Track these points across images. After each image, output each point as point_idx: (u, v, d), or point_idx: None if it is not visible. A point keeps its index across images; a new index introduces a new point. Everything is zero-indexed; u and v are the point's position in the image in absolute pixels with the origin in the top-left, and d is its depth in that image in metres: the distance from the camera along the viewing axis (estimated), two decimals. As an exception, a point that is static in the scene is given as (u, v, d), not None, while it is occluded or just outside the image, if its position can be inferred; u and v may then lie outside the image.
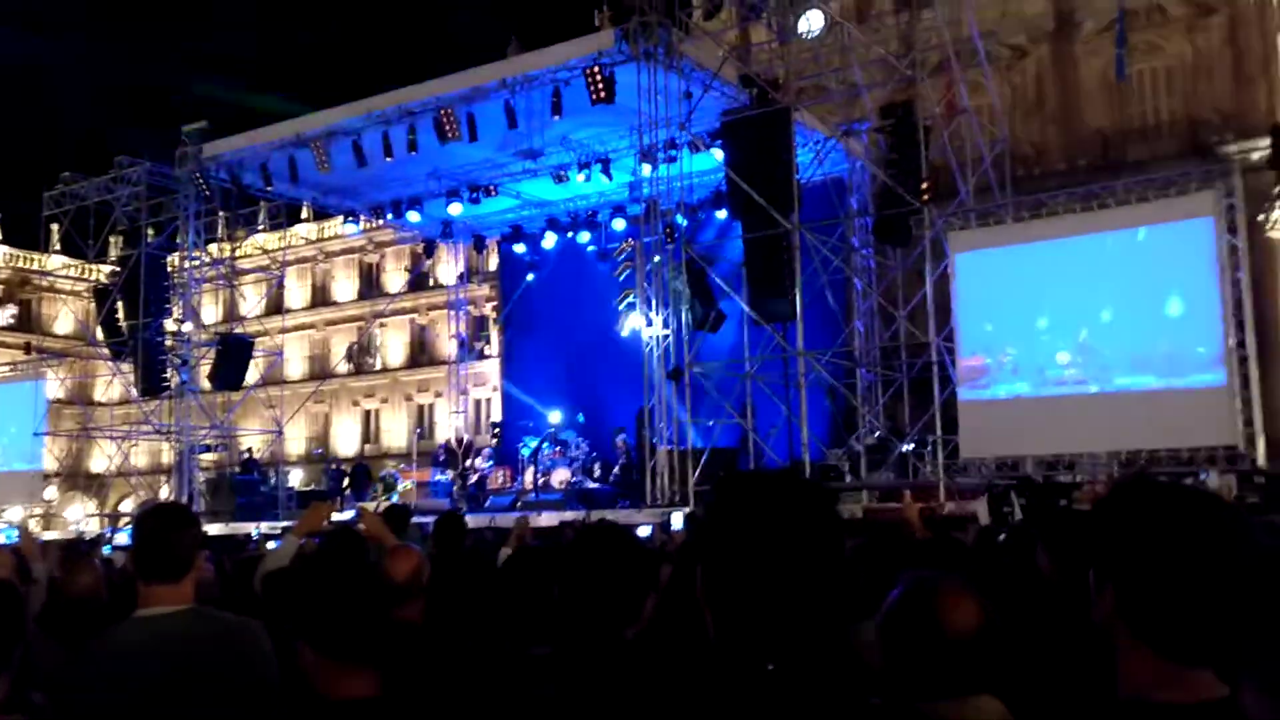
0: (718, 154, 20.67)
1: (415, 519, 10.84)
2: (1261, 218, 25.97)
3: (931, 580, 2.44)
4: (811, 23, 22.61)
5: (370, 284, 49.16)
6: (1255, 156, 26.16)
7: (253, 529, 21.56)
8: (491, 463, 26.05)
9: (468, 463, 26.08)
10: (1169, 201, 18.78)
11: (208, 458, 29.82)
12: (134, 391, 28.29)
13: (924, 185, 19.34)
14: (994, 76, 25.51)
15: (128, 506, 41.10)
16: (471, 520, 12.56)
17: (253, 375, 28.88)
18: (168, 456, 30.13)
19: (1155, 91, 29.30)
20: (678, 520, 16.26)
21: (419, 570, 4.42)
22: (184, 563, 3.41)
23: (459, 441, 26.45)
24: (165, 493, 29.88)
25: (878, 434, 21.66)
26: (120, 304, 27.24)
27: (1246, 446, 17.84)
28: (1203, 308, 18.07)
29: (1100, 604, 1.74)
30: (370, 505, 19.57)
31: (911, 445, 20.38)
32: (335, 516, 11.71)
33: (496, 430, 29.21)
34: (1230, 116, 27.98)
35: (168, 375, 27.12)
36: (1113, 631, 1.73)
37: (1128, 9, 26.78)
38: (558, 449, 24.14)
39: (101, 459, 37.76)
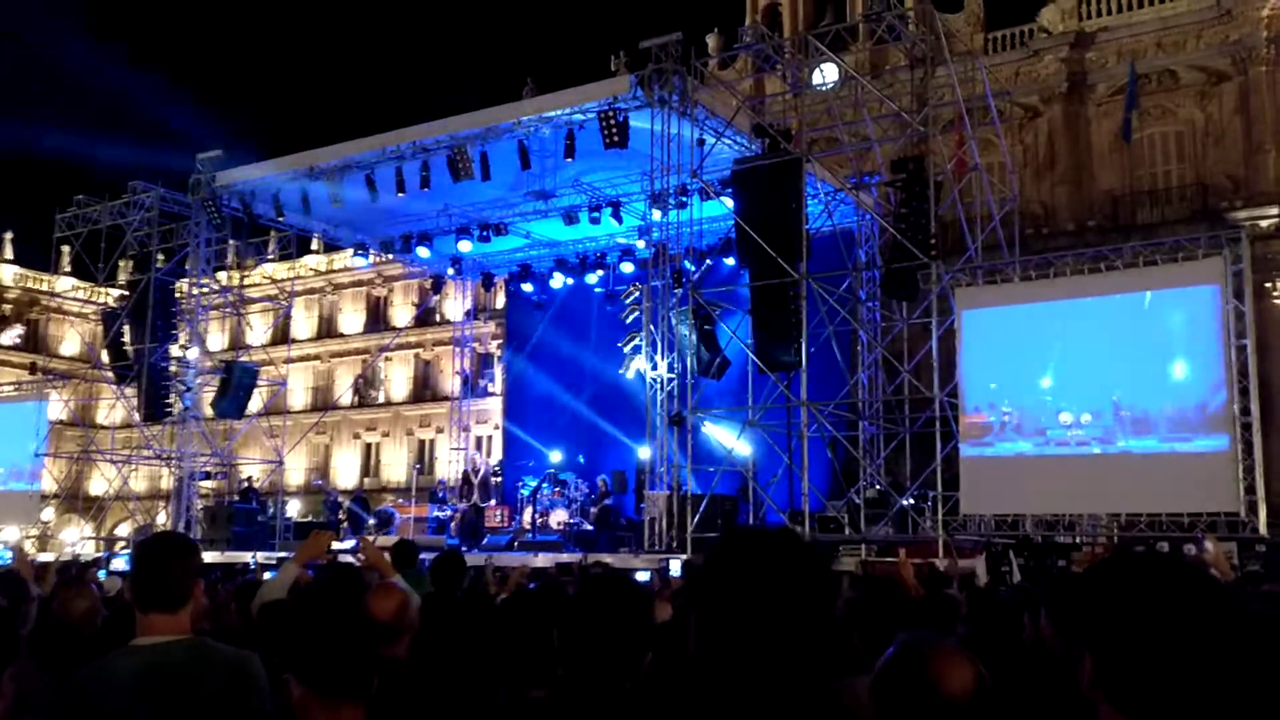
0: (728, 202, 20.79)
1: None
2: (1269, 285, 26.06)
3: (926, 641, 2.45)
4: (825, 75, 22.83)
5: (377, 317, 49.28)
6: (1265, 224, 26.31)
7: (249, 558, 21.49)
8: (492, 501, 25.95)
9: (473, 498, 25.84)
10: (1176, 266, 18.81)
11: (207, 485, 29.75)
12: (136, 416, 28.29)
13: (932, 241, 19.40)
14: (1006, 135, 25.72)
15: (124, 531, 40.96)
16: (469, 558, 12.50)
17: (256, 404, 28.88)
18: (167, 482, 30.07)
19: (1166, 156, 29.51)
20: (676, 567, 16.18)
21: (402, 608, 4.42)
22: (182, 592, 3.40)
23: (475, 471, 26.18)
24: (163, 518, 29.80)
25: (878, 487, 21.58)
26: (127, 328, 27.33)
27: (1248, 513, 17.73)
28: (1207, 373, 18.05)
29: (1082, 673, 1.73)
30: (369, 537, 19.48)
31: (911, 500, 20.30)
32: (335, 545, 11.67)
33: (497, 469, 29.15)
34: (1240, 183, 28.17)
35: (171, 401, 27.13)
36: (1095, 700, 1.72)
37: (1140, 73, 27.02)
38: (557, 489, 24.09)
39: (101, 482, 37.68)
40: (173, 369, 27.60)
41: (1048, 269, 19.87)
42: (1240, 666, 1.61)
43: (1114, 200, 29.77)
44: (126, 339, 27.47)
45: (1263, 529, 17.78)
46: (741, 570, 1.81)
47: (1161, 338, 18.44)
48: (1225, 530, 17.62)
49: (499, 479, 28.25)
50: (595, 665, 2.65)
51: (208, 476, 28.96)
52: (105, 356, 29.36)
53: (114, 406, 33.30)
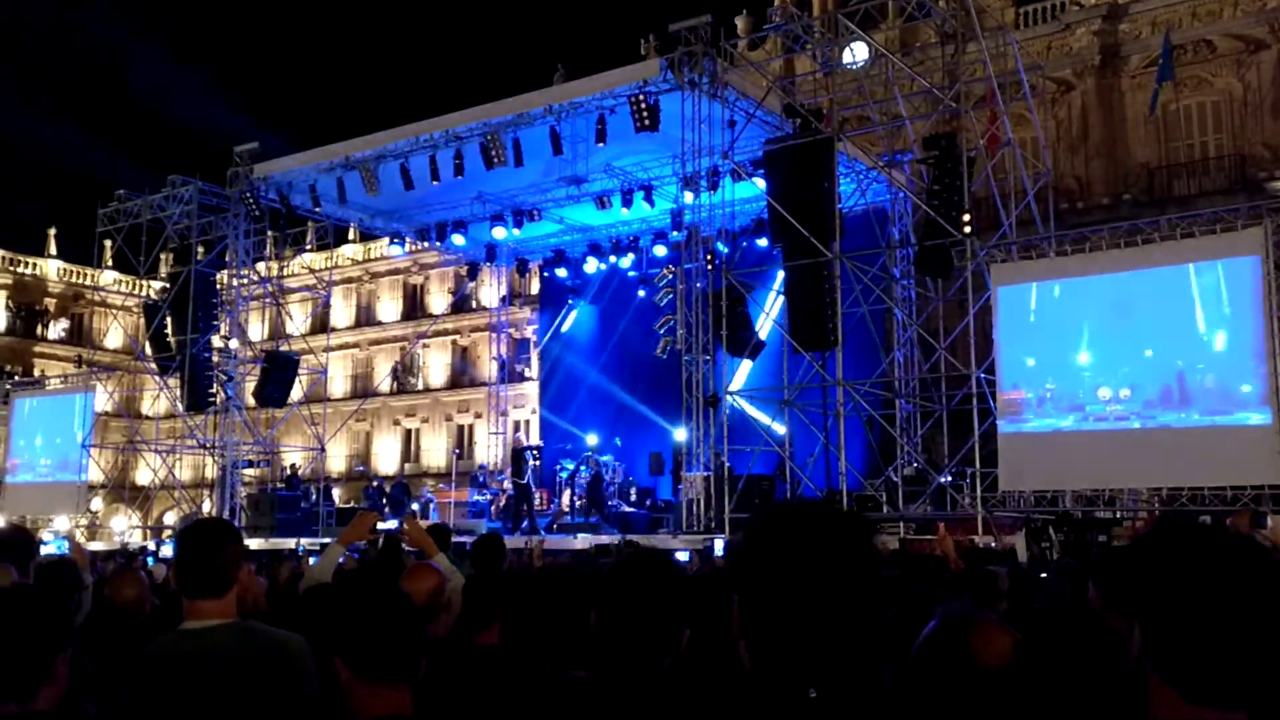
0: (760, 183, 20.78)
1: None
2: (1310, 255, 25.67)
3: (966, 614, 2.48)
4: (856, 54, 22.69)
5: (414, 305, 49.61)
6: (1304, 193, 25.89)
7: (294, 544, 21.81)
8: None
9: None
10: (1215, 238, 18.58)
11: (250, 473, 30.17)
12: (180, 406, 28.72)
13: (966, 217, 19.31)
14: (1038, 109, 25.47)
15: (171, 519, 41.61)
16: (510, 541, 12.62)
17: (296, 393, 29.24)
18: (211, 471, 30.52)
19: (1202, 126, 29.13)
20: (720, 547, 16.20)
21: (437, 589, 4.50)
22: (227, 578, 3.45)
23: (527, 449, 25.67)
24: (208, 506, 30.25)
25: (915, 465, 21.55)
26: (169, 320, 27.72)
27: (1291, 486, 17.55)
28: (1248, 346, 17.84)
29: (1132, 645, 1.72)
30: (414, 518, 19.66)
31: (949, 477, 20.26)
32: (380, 526, 11.80)
33: (536, 452, 29.34)
34: (1279, 152, 27.75)
35: (213, 391, 27.51)
36: (1145, 673, 1.71)
37: (1175, 44, 26.66)
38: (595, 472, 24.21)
39: (146, 472, 38.26)
40: (214, 359, 27.97)
41: (1083, 243, 19.70)
42: None
43: (1149, 173, 29.44)
44: (169, 331, 27.86)
45: (1307, 501, 17.60)
46: (782, 546, 1.80)
47: (1201, 311, 18.25)
48: (1269, 503, 17.47)
49: (537, 462, 28.43)
50: (633, 644, 2.62)
51: (251, 465, 29.36)
52: (148, 348, 29.79)
53: (158, 397, 33.75)
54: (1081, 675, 3.36)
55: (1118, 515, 19.38)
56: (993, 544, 15.78)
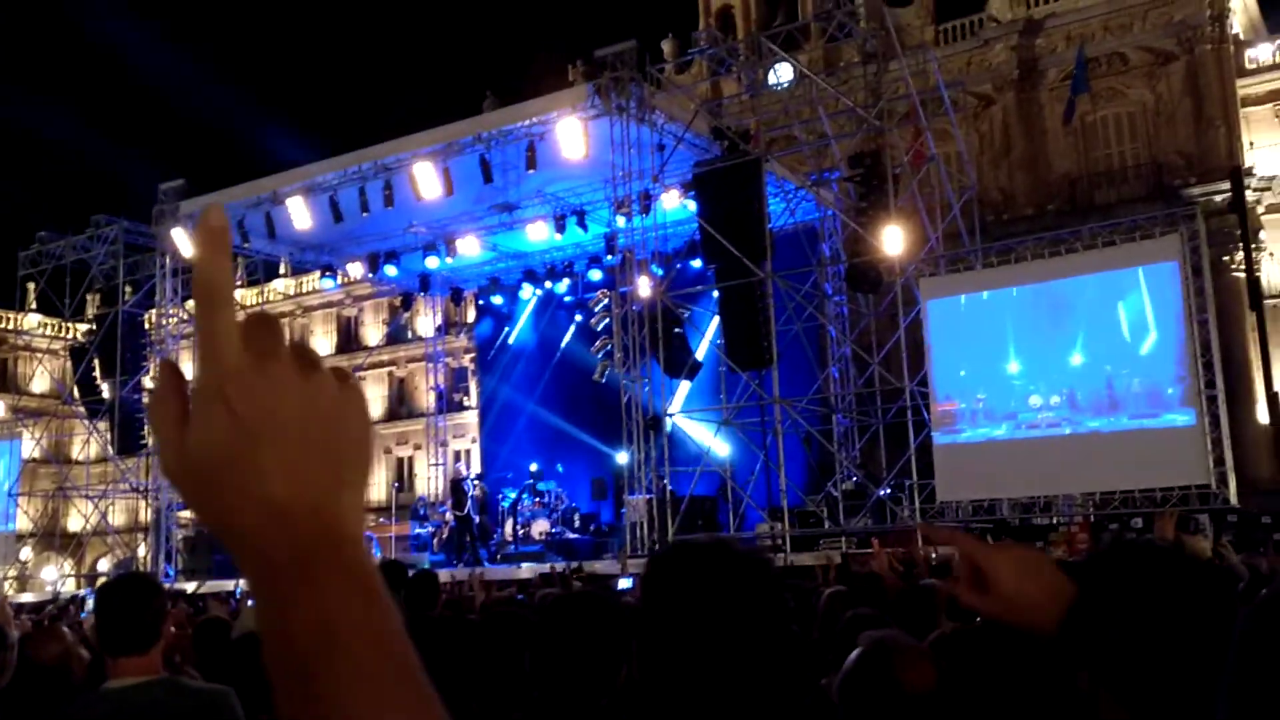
0: (691, 205, 20.90)
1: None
2: (1226, 258, 26.40)
3: (890, 641, 2.49)
4: (780, 75, 22.98)
5: (349, 337, 49.18)
6: (1218, 199, 26.64)
7: (233, 585, 21.42)
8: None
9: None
10: (1135, 245, 19.08)
11: (186, 515, 29.62)
12: (111, 450, 28.17)
13: (893, 232, 19.58)
14: (961, 125, 25.94)
15: (105, 566, 40.72)
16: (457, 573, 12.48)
17: (231, 432, 28.74)
18: (145, 515, 29.95)
19: (1119, 137, 29.88)
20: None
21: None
22: (150, 634, 3.37)
23: (462, 480, 25.25)
24: (143, 551, 29.67)
25: (854, 480, 21.75)
26: (97, 362, 27.22)
27: (1218, 485, 18.00)
28: (1171, 349, 18.30)
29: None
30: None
31: (888, 490, 20.47)
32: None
33: (478, 481, 29.13)
34: (1192, 160, 28.53)
35: (145, 433, 27.01)
36: (1096, 697, 1.67)
37: (1089, 57, 27.34)
38: (537, 500, 24.09)
39: (78, 518, 37.44)
40: (145, 401, 27.48)
41: (1009, 254, 20.10)
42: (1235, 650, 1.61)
43: (1071, 183, 30.10)
44: (97, 373, 27.36)
45: (1234, 500, 18.05)
46: (675, 588, 1.74)
47: (1125, 316, 18.69)
48: (1197, 502, 17.88)
49: (481, 491, 28.20)
50: (568, 685, 2.61)
51: (186, 507, 28.84)
52: (76, 392, 29.21)
53: (88, 442, 33.11)
54: (1018, 695, 3.36)
55: (1054, 521, 19.70)
56: (933, 555, 15.92)
